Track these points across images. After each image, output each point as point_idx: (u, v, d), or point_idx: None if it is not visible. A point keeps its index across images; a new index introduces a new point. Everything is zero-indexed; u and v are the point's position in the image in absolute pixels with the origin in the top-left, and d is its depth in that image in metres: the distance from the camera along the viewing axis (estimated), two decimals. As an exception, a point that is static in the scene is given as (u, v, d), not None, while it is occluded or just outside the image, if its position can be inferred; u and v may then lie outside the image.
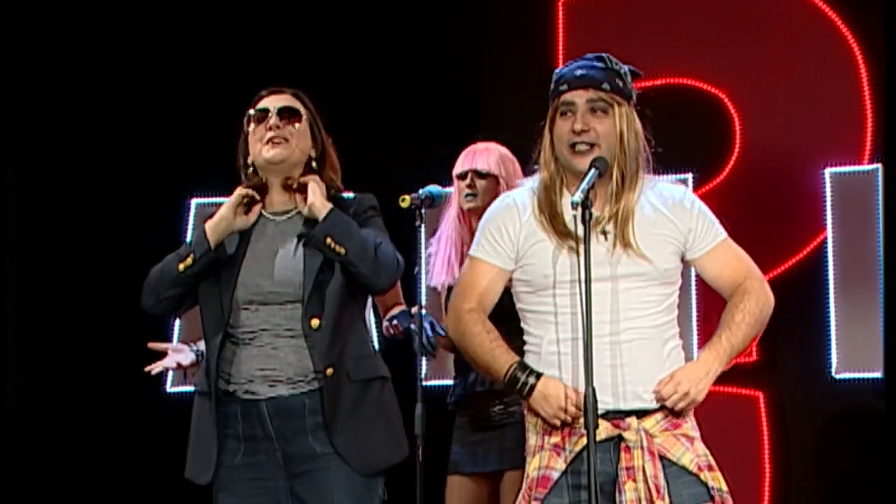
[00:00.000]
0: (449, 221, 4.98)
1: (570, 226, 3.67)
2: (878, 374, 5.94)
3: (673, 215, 3.72)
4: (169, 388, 6.65)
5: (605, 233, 3.68)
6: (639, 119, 3.75)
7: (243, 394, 3.88)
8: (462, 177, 4.97)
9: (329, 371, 3.83)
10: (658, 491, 3.56)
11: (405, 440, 3.98)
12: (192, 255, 3.87)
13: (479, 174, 4.95)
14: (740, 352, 3.70)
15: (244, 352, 3.89)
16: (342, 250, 3.81)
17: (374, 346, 4.07)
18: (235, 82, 6.72)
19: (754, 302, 3.71)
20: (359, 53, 6.71)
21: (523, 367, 3.68)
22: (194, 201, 6.64)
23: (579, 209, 3.56)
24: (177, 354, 4.63)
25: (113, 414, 6.79)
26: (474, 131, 5.34)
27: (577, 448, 3.62)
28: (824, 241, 6.09)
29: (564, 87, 3.73)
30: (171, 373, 6.61)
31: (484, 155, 5.00)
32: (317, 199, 3.86)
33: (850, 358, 6.00)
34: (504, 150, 5.06)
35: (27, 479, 6.83)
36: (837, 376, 6.04)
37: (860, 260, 5.99)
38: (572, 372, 3.63)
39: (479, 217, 4.97)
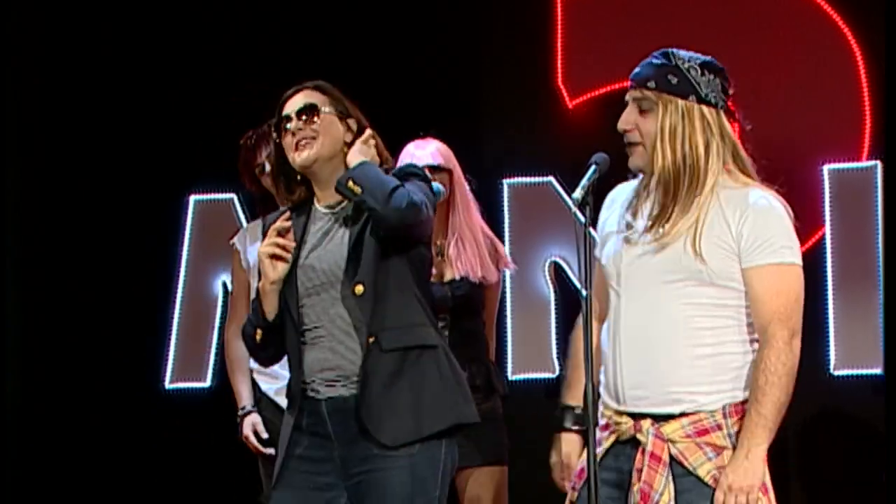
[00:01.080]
0: None
1: (621, 222, 3.70)
2: (876, 371, 5.95)
3: (730, 218, 3.61)
4: (168, 385, 6.66)
5: (648, 228, 3.65)
6: (716, 117, 3.70)
7: (309, 391, 3.90)
8: None
9: (371, 340, 3.83)
10: (645, 498, 3.54)
11: (445, 411, 3.87)
12: (261, 329, 3.94)
13: (435, 169, 4.95)
14: (780, 413, 3.54)
15: (308, 351, 3.90)
16: (358, 189, 3.80)
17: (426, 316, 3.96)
18: (234, 81, 6.77)
19: (775, 357, 3.53)
20: (358, 53, 6.71)
21: (563, 410, 3.75)
22: (192, 198, 6.66)
23: (578, 206, 3.56)
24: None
25: (112, 411, 6.79)
26: (474, 131, 5.36)
27: (607, 444, 3.65)
28: (823, 238, 6.10)
29: (629, 85, 3.75)
30: (170, 368, 6.66)
31: (433, 150, 5.00)
32: (352, 154, 3.89)
33: (848, 354, 6.00)
34: (441, 143, 5.05)
35: (26, 477, 6.83)
36: (836, 373, 6.04)
37: (858, 257, 6.00)
38: (613, 366, 3.65)
39: (437, 213, 4.99)
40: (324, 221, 3.96)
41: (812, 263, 6.12)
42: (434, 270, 4.96)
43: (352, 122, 3.98)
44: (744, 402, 3.58)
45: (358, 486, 3.82)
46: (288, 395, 4.00)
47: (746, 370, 3.60)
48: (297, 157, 3.91)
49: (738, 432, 3.58)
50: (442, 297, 4.94)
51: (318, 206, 3.99)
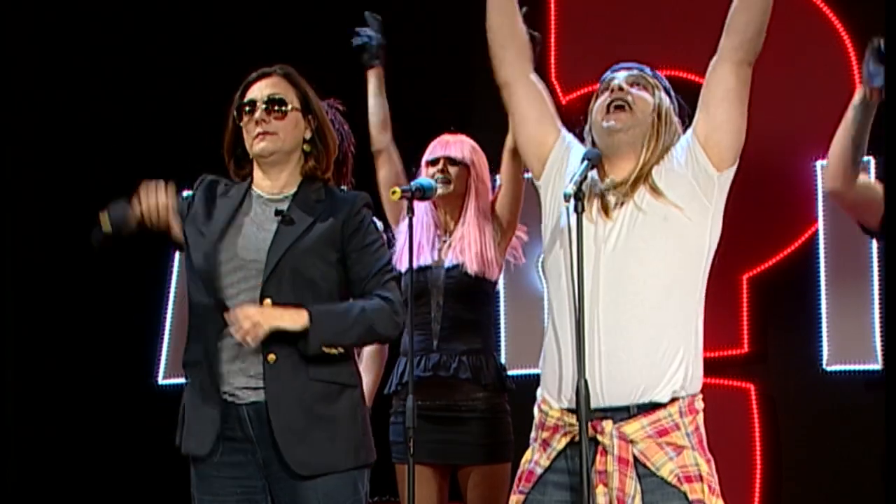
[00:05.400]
0: (419, 207, 5.01)
1: (593, 213, 3.64)
2: (869, 367, 5.96)
3: (675, 159, 3.68)
4: (161, 381, 6.67)
5: (621, 203, 3.64)
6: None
7: (228, 396, 3.81)
8: (434, 163, 5.03)
9: (271, 357, 3.76)
10: (621, 503, 3.51)
11: (363, 449, 3.88)
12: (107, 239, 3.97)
13: (452, 161, 5.02)
14: None
15: (227, 350, 3.83)
16: (342, 349, 3.80)
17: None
18: (226, 78, 6.76)
19: None
20: (352, 52, 6.72)
21: None
22: (185, 194, 6.65)
23: (571, 201, 3.52)
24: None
25: (106, 407, 6.80)
26: (468, 126, 5.36)
27: (560, 446, 3.60)
28: (816, 233, 6.12)
29: (608, 73, 3.77)
30: (163, 364, 6.66)
31: (457, 144, 5.08)
32: (284, 323, 3.74)
33: (841, 350, 6.02)
34: (473, 142, 5.13)
35: (23, 473, 6.84)
36: (828, 368, 6.06)
37: (851, 252, 6.01)
38: (572, 361, 3.57)
39: (450, 204, 5.03)
40: (258, 206, 3.92)
41: (805, 259, 6.14)
42: (437, 256, 5.00)
43: (311, 119, 3.96)
44: (693, 396, 3.60)
45: (284, 489, 3.80)
46: (198, 391, 3.88)
47: (698, 366, 3.62)
48: (256, 146, 3.89)
49: (695, 430, 3.58)
50: (434, 279, 4.96)
51: (256, 191, 3.95)
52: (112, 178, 6.92)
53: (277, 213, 3.87)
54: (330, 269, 3.85)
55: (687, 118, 3.78)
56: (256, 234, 3.86)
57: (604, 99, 3.72)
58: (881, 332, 5.87)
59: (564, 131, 3.81)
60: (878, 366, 5.92)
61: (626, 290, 3.57)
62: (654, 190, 3.63)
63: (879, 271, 5.93)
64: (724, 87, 3.66)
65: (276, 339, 3.73)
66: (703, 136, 3.67)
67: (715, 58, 3.68)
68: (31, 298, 6.93)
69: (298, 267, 3.80)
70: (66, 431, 6.89)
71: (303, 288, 3.79)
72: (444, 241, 5.05)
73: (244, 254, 3.82)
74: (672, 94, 3.78)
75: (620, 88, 3.69)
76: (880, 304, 5.91)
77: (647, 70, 3.78)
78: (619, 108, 3.68)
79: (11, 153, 6.95)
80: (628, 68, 3.77)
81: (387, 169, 5.13)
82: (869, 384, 5.97)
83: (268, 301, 3.76)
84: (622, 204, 3.64)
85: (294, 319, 3.72)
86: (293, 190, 3.93)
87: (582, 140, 3.80)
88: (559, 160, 3.76)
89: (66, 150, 7.02)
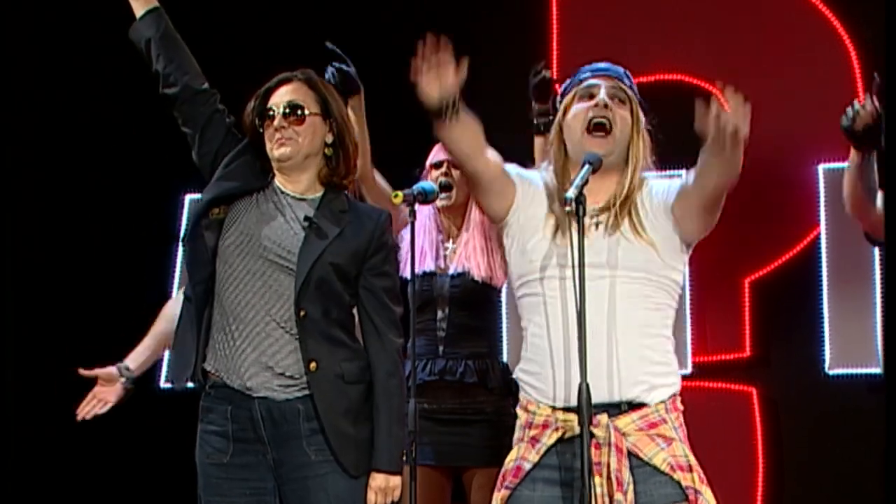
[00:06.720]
0: (423, 212, 5.01)
1: (566, 223, 3.69)
2: (871, 370, 5.95)
3: (656, 198, 3.75)
4: (162, 385, 6.65)
5: (599, 224, 3.70)
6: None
7: (238, 387, 3.85)
8: (438, 165, 5.04)
9: (312, 366, 3.80)
10: (620, 484, 3.56)
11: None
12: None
13: (456, 164, 5.00)
14: None
15: (238, 337, 3.85)
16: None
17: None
18: (228, 80, 6.76)
19: None
20: (350, 51, 6.70)
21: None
22: (188, 197, 6.66)
23: (573, 205, 3.56)
24: (104, 390, 4.76)
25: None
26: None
27: (550, 442, 3.66)
28: (818, 237, 6.11)
29: (587, 74, 3.79)
30: (164, 367, 6.65)
31: None
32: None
33: (843, 354, 6.01)
34: None
35: (22, 476, 6.83)
36: (831, 372, 6.05)
37: (853, 256, 6.00)
38: (564, 362, 3.64)
39: (454, 210, 5.04)
40: (283, 200, 3.94)
41: (807, 263, 6.13)
42: (442, 263, 4.99)
43: (332, 123, 3.99)
44: (674, 396, 3.69)
45: (295, 491, 3.82)
46: (203, 391, 3.95)
47: (675, 363, 3.74)
48: (276, 152, 3.93)
49: (680, 425, 3.68)
50: (439, 287, 4.95)
51: (278, 185, 3.97)
52: (112, 179, 6.95)
53: (306, 219, 3.88)
54: (347, 284, 3.90)
55: (651, 124, 3.82)
56: (283, 226, 3.88)
57: (585, 110, 3.74)
58: (882, 335, 5.85)
59: (518, 180, 3.85)
60: (879, 369, 5.91)
61: (614, 310, 3.64)
62: (635, 226, 3.71)
63: (881, 275, 5.92)
64: (697, 206, 3.74)
65: (316, 347, 3.80)
66: (678, 214, 3.75)
67: (687, 179, 3.73)
68: (31, 298, 6.92)
69: (325, 277, 3.84)
70: (66, 432, 6.87)
71: (329, 299, 3.85)
72: (448, 248, 5.05)
73: (267, 242, 3.85)
74: (639, 96, 3.81)
75: (606, 106, 3.71)
76: (882, 307, 5.89)
77: (623, 77, 3.80)
78: (600, 127, 3.71)
79: (11, 153, 6.94)
80: (607, 75, 3.78)
81: (374, 193, 5.03)
82: (871, 388, 5.96)
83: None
84: (603, 227, 3.70)
85: (392, 483, 3.88)
86: (314, 194, 3.96)
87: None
88: (521, 209, 3.82)
89: (66, 150, 7.01)
